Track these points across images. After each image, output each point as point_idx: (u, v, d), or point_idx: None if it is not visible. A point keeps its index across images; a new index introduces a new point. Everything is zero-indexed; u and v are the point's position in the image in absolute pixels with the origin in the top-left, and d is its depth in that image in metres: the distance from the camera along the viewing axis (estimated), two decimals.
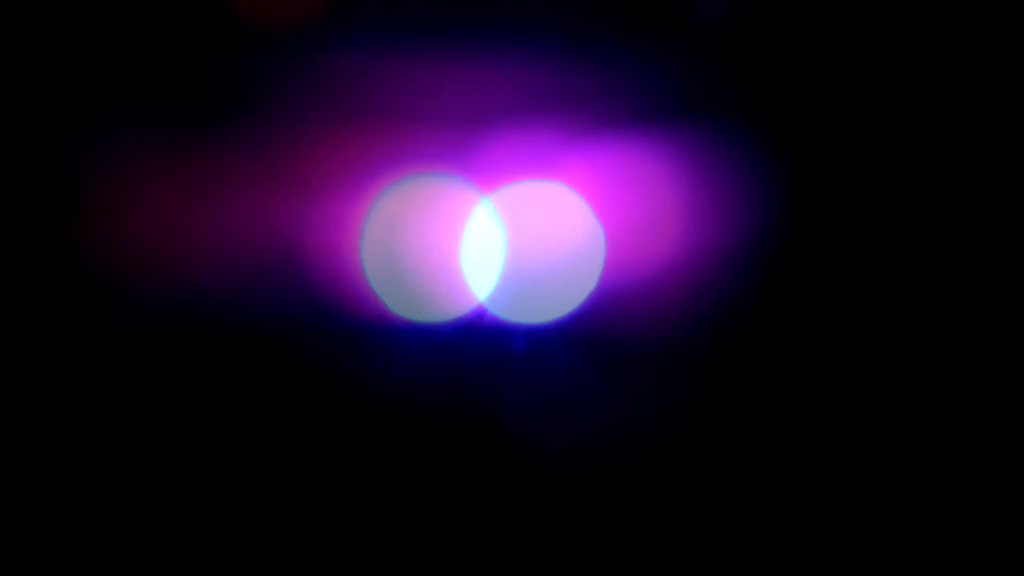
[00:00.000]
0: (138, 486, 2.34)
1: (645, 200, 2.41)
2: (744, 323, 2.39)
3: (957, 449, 2.35)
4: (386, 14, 2.39)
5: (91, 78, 2.38)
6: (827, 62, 2.39)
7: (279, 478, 2.36)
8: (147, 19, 2.38)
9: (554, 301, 2.40)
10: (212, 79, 2.39)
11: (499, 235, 2.40)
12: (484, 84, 2.40)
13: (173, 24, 2.38)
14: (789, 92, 2.40)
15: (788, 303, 2.39)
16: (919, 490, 2.35)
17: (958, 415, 2.35)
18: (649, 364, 2.39)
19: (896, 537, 2.34)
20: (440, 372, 2.38)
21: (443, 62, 2.40)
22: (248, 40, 2.38)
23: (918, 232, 2.38)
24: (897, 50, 2.38)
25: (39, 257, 2.37)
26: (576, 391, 2.39)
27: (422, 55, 2.40)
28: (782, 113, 2.40)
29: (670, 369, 2.39)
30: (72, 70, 2.38)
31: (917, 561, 2.34)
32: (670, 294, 2.39)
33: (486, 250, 2.40)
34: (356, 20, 2.39)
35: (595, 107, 2.40)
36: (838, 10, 2.39)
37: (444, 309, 2.40)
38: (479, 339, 2.38)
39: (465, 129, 2.40)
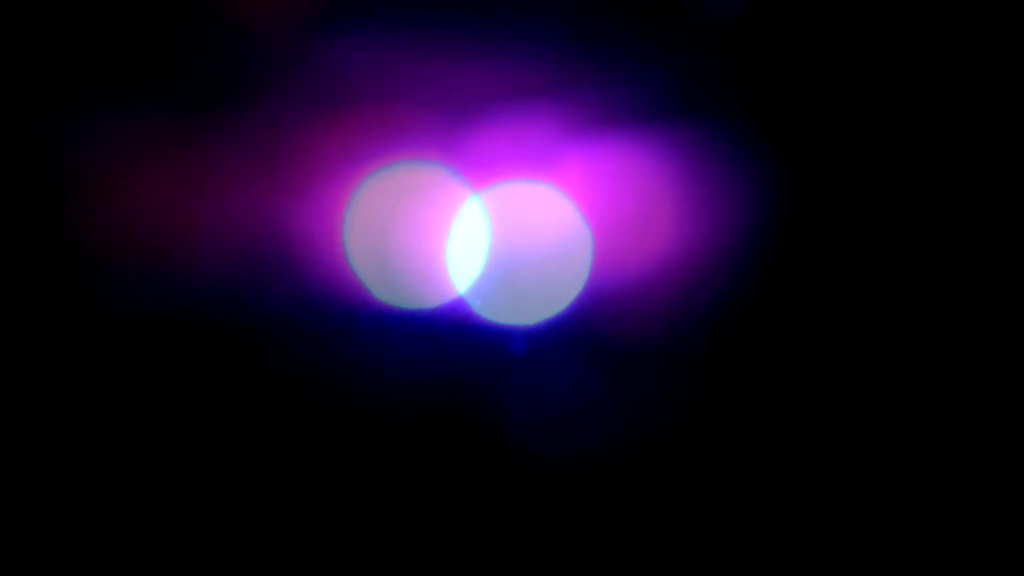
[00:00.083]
0: (130, 478, 2.33)
1: (639, 199, 2.40)
2: (739, 323, 2.39)
3: (953, 446, 2.35)
4: (382, 4, 2.37)
5: (77, 67, 2.36)
6: (822, 61, 2.39)
7: (270, 469, 2.36)
8: (134, 9, 2.36)
9: (538, 302, 2.38)
10: (200, 67, 2.37)
11: (486, 232, 2.39)
12: (480, 77, 2.39)
13: (160, 14, 2.36)
14: (784, 91, 2.40)
15: (784, 302, 2.39)
16: (916, 488, 2.35)
17: (954, 413, 2.35)
18: (643, 364, 2.39)
19: (894, 536, 2.34)
20: (427, 365, 2.37)
21: (438, 54, 2.39)
22: (237, 28, 2.37)
23: (914, 232, 2.38)
24: (893, 50, 2.38)
25: (27, 247, 2.35)
26: (569, 391, 2.38)
27: (416, 46, 2.38)
28: (777, 112, 2.40)
29: (664, 369, 2.38)
30: (60, 59, 2.36)
31: (916, 561, 2.33)
32: (665, 293, 2.39)
33: (471, 246, 2.39)
34: (350, 9, 2.37)
35: (590, 104, 2.39)
36: (833, 10, 2.37)
37: (426, 298, 2.38)
38: (464, 334, 2.37)
39: (459, 122, 2.39)
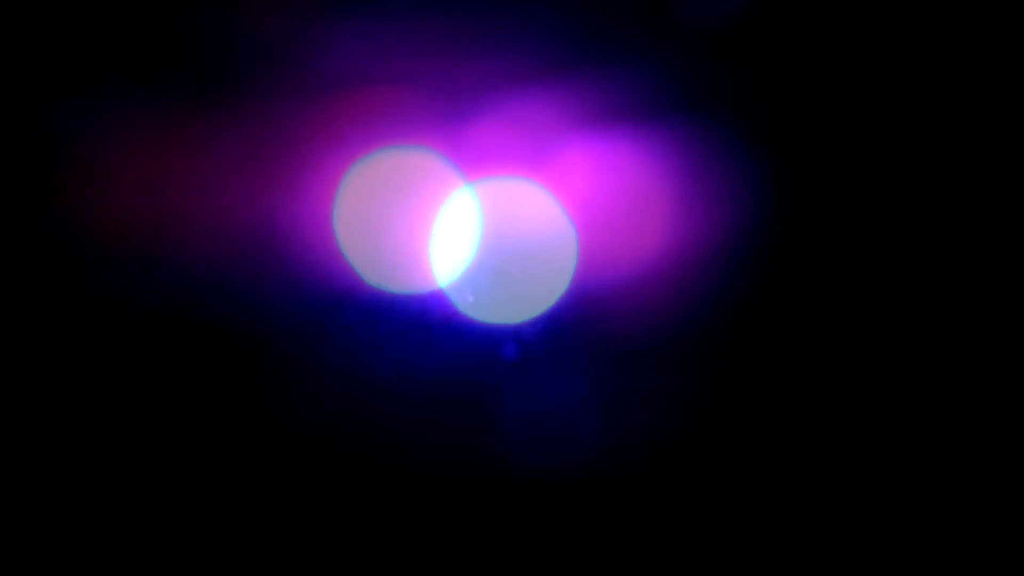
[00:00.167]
0: (128, 473, 2.33)
1: (633, 196, 2.40)
2: (733, 321, 2.39)
3: (946, 444, 2.35)
4: None
5: (70, 58, 2.36)
6: (816, 59, 2.39)
7: (264, 457, 2.36)
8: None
9: (525, 300, 2.38)
10: (193, 55, 2.38)
11: (475, 225, 2.39)
12: (474, 70, 2.39)
13: (153, 3, 2.36)
14: (779, 89, 2.40)
15: (778, 300, 2.39)
16: (910, 486, 2.35)
17: (948, 411, 2.36)
18: (637, 362, 2.39)
19: (890, 534, 2.34)
20: (416, 355, 2.36)
21: (432, 44, 2.39)
22: (231, 15, 2.36)
23: (910, 230, 2.38)
24: (887, 50, 2.38)
25: (21, 240, 2.35)
26: (562, 389, 2.38)
27: (410, 35, 2.39)
28: (771, 109, 2.40)
29: (658, 367, 2.38)
30: (51, 49, 2.36)
31: (912, 560, 2.33)
32: (658, 291, 2.39)
33: (460, 238, 2.38)
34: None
35: (584, 100, 2.39)
36: (828, 10, 2.38)
37: (414, 285, 2.38)
38: (453, 327, 2.37)
39: (452, 114, 2.39)
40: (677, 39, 2.39)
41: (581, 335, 2.38)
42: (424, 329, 2.37)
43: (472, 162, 2.39)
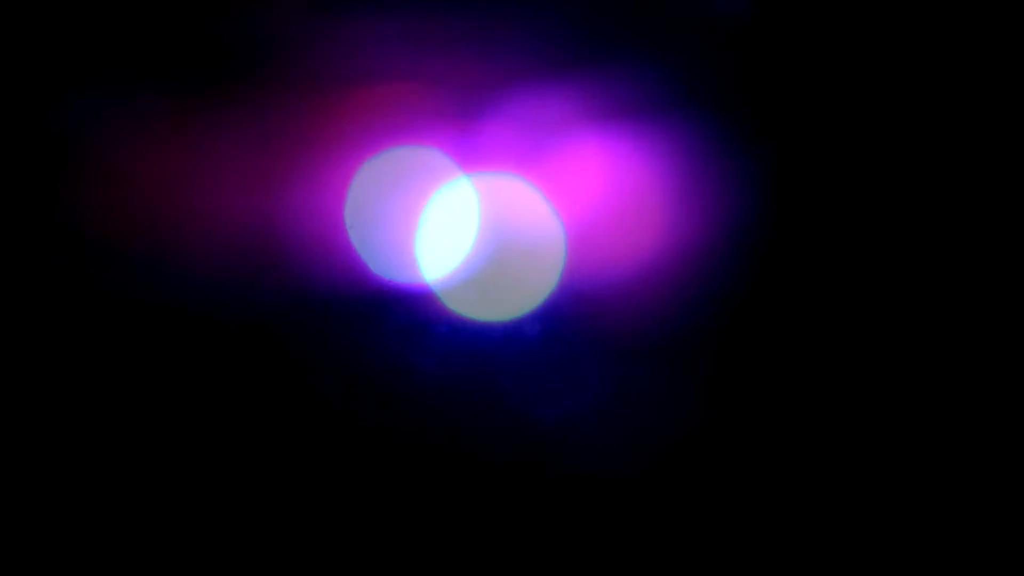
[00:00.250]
0: (131, 469, 2.33)
1: (632, 195, 2.41)
2: (727, 320, 2.39)
3: (943, 441, 2.35)
4: None
5: (74, 53, 2.37)
6: (811, 60, 2.39)
7: (264, 456, 2.36)
8: None
9: (517, 296, 2.38)
10: (199, 46, 2.38)
11: (472, 223, 2.39)
12: (472, 67, 2.40)
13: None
14: (774, 90, 2.40)
15: (772, 299, 2.39)
16: (907, 484, 2.35)
17: (945, 408, 2.36)
18: (632, 361, 2.39)
19: (888, 533, 2.34)
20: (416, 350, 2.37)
21: (432, 42, 2.39)
22: (238, 10, 2.36)
23: (902, 229, 2.38)
24: (881, 49, 2.38)
25: (24, 236, 2.35)
26: (560, 388, 2.38)
27: (410, 32, 2.39)
28: (768, 110, 2.40)
29: (653, 366, 2.38)
30: (55, 42, 2.37)
31: (912, 560, 2.33)
32: (656, 290, 2.39)
33: (456, 235, 2.39)
34: None
35: (582, 98, 2.40)
36: (823, 9, 2.38)
37: (410, 280, 2.39)
38: (448, 323, 2.37)
39: (451, 110, 2.39)
40: (676, 39, 2.40)
41: (579, 333, 2.38)
42: (423, 325, 2.37)
43: (470, 159, 2.40)
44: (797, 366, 2.38)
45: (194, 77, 2.37)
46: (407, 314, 2.38)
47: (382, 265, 2.38)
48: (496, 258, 2.39)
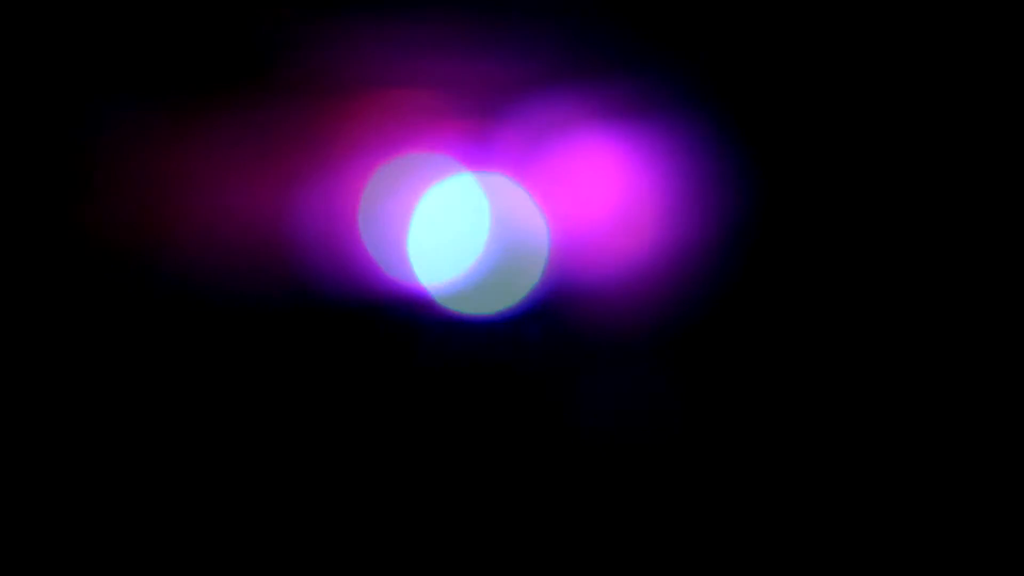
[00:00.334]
0: (133, 470, 2.34)
1: (622, 194, 2.41)
2: (719, 319, 2.39)
3: (940, 438, 2.35)
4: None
5: (79, 57, 2.38)
6: (805, 60, 2.39)
7: (277, 455, 2.37)
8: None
9: (506, 292, 2.39)
10: (207, 53, 2.39)
11: (471, 222, 2.40)
12: (471, 70, 2.40)
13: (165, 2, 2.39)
14: (769, 89, 2.40)
15: (766, 298, 2.39)
16: (904, 482, 2.34)
17: (942, 405, 2.35)
18: (627, 359, 2.39)
19: (886, 532, 2.33)
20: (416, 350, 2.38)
21: (432, 45, 2.40)
22: (246, 12, 2.38)
23: (894, 229, 2.38)
24: (878, 50, 2.38)
25: (28, 240, 2.36)
26: (556, 387, 2.39)
27: (411, 36, 2.40)
28: (762, 110, 2.40)
29: (648, 365, 2.38)
30: (59, 47, 2.38)
31: (912, 559, 2.32)
32: (646, 290, 2.39)
33: (455, 235, 2.40)
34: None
35: (578, 100, 2.40)
36: (818, 9, 2.39)
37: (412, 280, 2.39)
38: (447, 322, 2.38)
39: (452, 112, 2.40)
40: (676, 41, 2.40)
41: (579, 333, 2.38)
42: (428, 326, 2.37)
43: (475, 161, 2.40)
44: (795, 366, 2.38)
45: (202, 81, 2.37)
46: (413, 315, 2.38)
47: (391, 266, 2.39)
48: (499, 258, 2.39)
